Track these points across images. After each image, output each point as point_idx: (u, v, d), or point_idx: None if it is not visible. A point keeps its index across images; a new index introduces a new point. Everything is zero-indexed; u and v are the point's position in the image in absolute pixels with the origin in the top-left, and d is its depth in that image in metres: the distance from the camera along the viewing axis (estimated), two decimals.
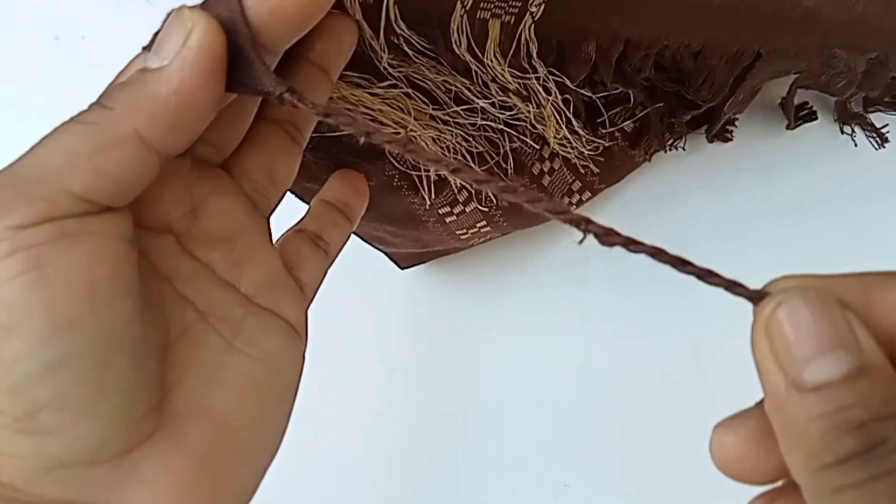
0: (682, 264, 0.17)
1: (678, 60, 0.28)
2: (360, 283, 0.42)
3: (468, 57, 0.24)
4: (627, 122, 0.33)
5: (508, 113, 0.27)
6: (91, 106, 0.18)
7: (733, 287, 0.17)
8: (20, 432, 0.17)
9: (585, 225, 0.16)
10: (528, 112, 0.28)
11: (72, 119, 0.18)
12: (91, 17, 0.47)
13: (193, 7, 0.18)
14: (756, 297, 0.17)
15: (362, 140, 0.17)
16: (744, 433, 0.18)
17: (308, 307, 0.26)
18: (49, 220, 0.17)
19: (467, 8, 0.23)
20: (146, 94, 0.18)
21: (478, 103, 0.26)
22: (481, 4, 0.23)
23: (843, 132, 0.39)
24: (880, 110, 0.39)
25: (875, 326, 0.15)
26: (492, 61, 0.25)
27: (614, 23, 0.26)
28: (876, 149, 0.40)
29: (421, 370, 0.44)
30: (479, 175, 0.17)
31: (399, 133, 0.26)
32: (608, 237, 0.16)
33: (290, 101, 0.18)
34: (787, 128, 0.38)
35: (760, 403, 0.18)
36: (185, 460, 0.20)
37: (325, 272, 0.27)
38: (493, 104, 0.27)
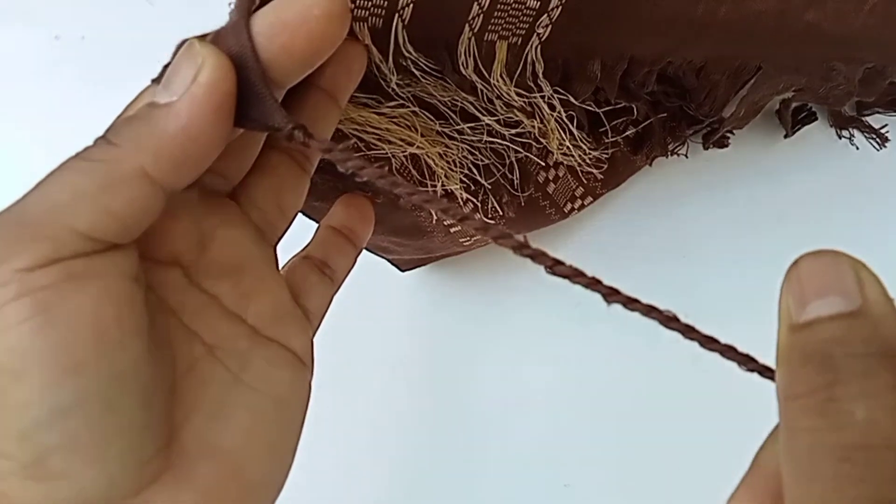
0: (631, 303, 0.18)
1: (681, 76, 0.28)
2: (361, 284, 0.42)
3: (475, 77, 0.24)
4: (630, 130, 0.33)
5: (513, 130, 0.28)
6: (97, 141, 0.18)
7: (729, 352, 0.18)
8: (29, 478, 0.17)
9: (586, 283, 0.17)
10: (533, 127, 0.28)
11: (77, 156, 0.18)
12: (91, 17, 0.47)
13: (204, 41, 0.18)
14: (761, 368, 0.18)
15: (376, 180, 0.17)
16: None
17: (314, 336, 0.26)
18: (55, 262, 0.17)
19: (475, 31, 0.23)
20: (153, 130, 0.18)
21: (483, 120, 0.26)
22: (489, 27, 0.23)
23: (840, 137, 0.39)
24: (878, 112, 0.39)
25: None
26: (498, 81, 0.25)
27: (619, 41, 0.26)
28: (877, 150, 0.40)
29: (421, 370, 0.44)
30: (465, 214, 0.18)
31: (405, 151, 0.26)
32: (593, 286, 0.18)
33: (299, 138, 0.18)
34: (785, 137, 0.38)
35: (751, 470, 0.18)
36: (195, 499, 0.20)
37: (331, 299, 0.27)
38: (498, 121, 0.27)
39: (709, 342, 0.18)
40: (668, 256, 0.41)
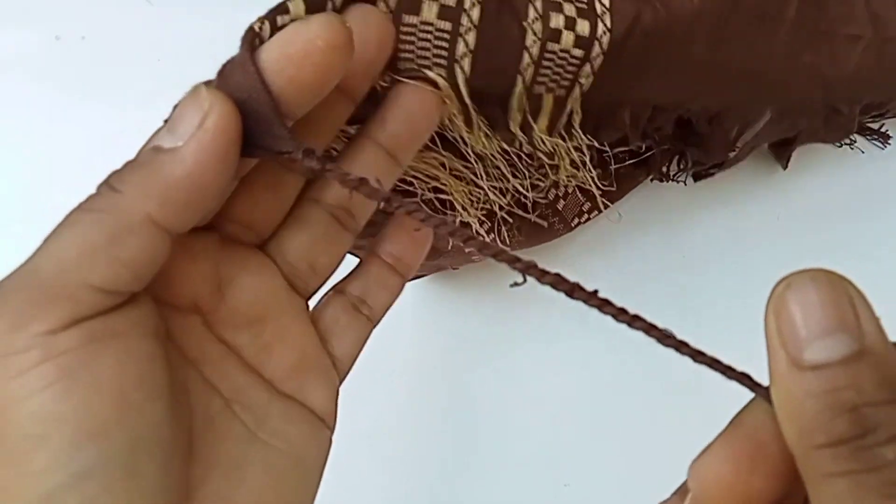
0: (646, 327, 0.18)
1: (693, 123, 0.29)
2: None
3: (520, 134, 0.25)
4: (636, 146, 0.33)
5: (535, 190, 0.28)
6: (101, 189, 0.18)
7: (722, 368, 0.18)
8: None
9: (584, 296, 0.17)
10: (551, 168, 0.28)
11: (82, 207, 0.18)
12: (91, 17, 0.47)
13: (210, 86, 0.18)
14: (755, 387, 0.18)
15: (394, 207, 0.17)
16: (726, 455, 0.17)
17: (340, 384, 0.25)
18: (76, 322, 0.17)
19: (527, 83, 0.23)
20: (158, 176, 0.17)
21: (511, 182, 0.27)
22: (538, 78, 0.23)
23: (840, 144, 0.39)
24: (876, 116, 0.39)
25: None
26: (540, 135, 0.25)
27: (650, 90, 0.27)
28: (881, 149, 0.40)
29: (421, 370, 0.44)
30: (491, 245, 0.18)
31: (429, 185, 0.26)
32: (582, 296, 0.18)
33: (312, 166, 0.18)
34: (784, 168, 0.39)
35: (731, 427, 0.18)
36: None
37: (366, 340, 0.26)
38: (522, 184, 0.27)
39: (698, 355, 0.18)
40: (669, 259, 0.41)
